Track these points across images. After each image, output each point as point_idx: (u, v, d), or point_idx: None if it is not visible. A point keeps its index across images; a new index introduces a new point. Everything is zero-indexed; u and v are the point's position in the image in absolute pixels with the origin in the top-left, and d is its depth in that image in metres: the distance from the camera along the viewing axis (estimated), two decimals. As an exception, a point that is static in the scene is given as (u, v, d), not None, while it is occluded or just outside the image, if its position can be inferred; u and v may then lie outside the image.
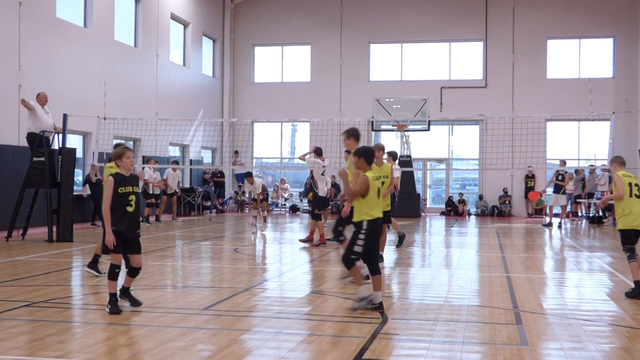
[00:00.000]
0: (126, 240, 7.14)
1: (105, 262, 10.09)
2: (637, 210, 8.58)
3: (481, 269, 11.19)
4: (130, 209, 7.11)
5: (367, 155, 7.50)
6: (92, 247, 13.73)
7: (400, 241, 13.88)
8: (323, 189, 15.00)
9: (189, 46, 27.14)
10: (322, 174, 15.18)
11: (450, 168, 29.10)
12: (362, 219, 7.29)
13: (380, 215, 7.43)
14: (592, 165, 25.39)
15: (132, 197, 7.14)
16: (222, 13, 29.90)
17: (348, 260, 7.31)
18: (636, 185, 8.70)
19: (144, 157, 22.30)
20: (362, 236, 7.25)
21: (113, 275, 7.11)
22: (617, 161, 9.06)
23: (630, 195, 8.63)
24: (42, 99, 14.90)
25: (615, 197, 8.69)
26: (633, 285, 8.54)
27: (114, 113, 18.15)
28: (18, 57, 17.06)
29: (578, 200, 24.35)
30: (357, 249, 7.25)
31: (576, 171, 23.93)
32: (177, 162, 23.02)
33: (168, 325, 6.56)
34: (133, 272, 7.31)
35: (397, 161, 14.69)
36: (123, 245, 7.14)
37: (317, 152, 15.25)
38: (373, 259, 7.46)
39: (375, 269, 7.41)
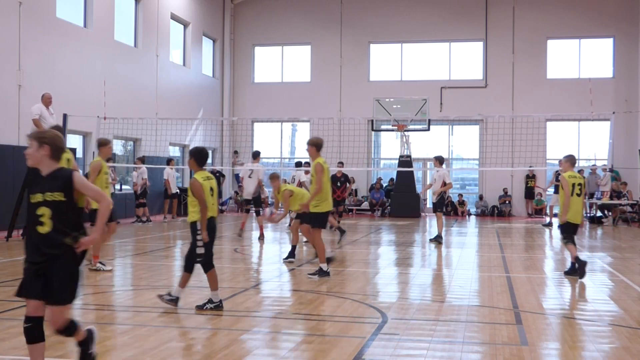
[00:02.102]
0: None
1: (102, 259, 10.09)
2: (576, 208, 9.97)
3: (481, 269, 11.19)
4: (41, 229, 4.44)
5: (198, 156, 7.40)
6: (91, 247, 13.73)
7: (342, 234, 14.60)
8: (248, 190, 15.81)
9: (189, 46, 27.14)
10: (250, 177, 15.90)
11: (450, 168, 29.08)
12: (195, 220, 7.21)
13: (215, 214, 7.32)
14: (593, 166, 25.39)
15: (44, 211, 4.42)
16: (222, 13, 29.90)
17: (206, 265, 7.26)
18: (579, 185, 9.97)
19: (143, 157, 22.33)
20: (199, 237, 7.19)
21: (30, 335, 4.66)
22: (570, 161, 10.27)
23: (572, 195, 9.95)
24: (46, 100, 14.89)
25: (563, 200, 9.91)
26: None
27: (114, 113, 18.16)
28: (18, 57, 17.06)
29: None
30: (200, 250, 7.20)
31: (578, 171, 23.92)
32: (170, 161, 22.41)
33: (168, 325, 6.56)
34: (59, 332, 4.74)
35: (444, 164, 15.84)
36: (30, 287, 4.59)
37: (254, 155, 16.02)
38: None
39: (208, 266, 7.34)
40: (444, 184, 15.38)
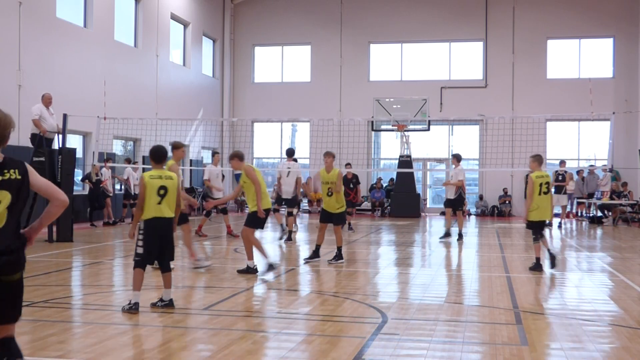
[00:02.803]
0: None
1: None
2: (544, 205, 10.56)
3: (481, 269, 11.18)
4: None
5: (153, 155, 7.32)
6: (92, 247, 13.75)
7: (285, 236, 14.89)
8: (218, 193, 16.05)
9: (189, 46, 27.14)
10: (287, 175, 15.59)
11: (451, 168, 29.07)
12: (144, 217, 7.14)
13: (163, 215, 7.11)
14: (591, 166, 25.39)
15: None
16: (222, 13, 29.91)
17: (135, 262, 7.18)
18: (546, 184, 10.62)
19: (143, 157, 22.33)
20: (140, 237, 7.12)
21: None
22: (538, 160, 10.89)
23: (540, 194, 10.53)
24: (46, 100, 14.89)
25: (528, 200, 10.62)
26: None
27: (114, 113, 18.16)
28: (18, 57, 17.06)
29: (579, 200, 24.36)
30: (139, 250, 7.13)
31: (578, 172, 23.95)
32: (129, 160, 21.92)
33: (168, 325, 6.56)
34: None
35: (460, 162, 16.58)
36: None
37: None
38: (160, 257, 7.33)
39: (165, 267, 7.33)
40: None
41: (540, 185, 10.63)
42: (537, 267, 10.58)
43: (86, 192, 20.04)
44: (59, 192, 3.98)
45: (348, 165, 19.96)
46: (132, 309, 6.96)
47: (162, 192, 7.11)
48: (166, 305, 7.22)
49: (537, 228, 10.71)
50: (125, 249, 13.57)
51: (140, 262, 7.15)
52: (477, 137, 28.18)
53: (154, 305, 7.25)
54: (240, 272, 9.97)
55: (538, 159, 10.93)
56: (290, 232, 15.01)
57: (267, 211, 9.95)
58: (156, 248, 7.19)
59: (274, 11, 29.81)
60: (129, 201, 20.19)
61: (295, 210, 16.03)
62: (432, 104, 26.78)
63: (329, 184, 11.30)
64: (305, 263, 11.35)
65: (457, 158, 16.54)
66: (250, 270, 9.89)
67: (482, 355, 5.65)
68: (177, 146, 10.15)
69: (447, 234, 15.98)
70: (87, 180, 19.53)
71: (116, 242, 15.27)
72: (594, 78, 25.28)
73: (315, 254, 11.53)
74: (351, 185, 18.29)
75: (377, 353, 5.64)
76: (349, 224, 18.20)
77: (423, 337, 6.25)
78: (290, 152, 15.60)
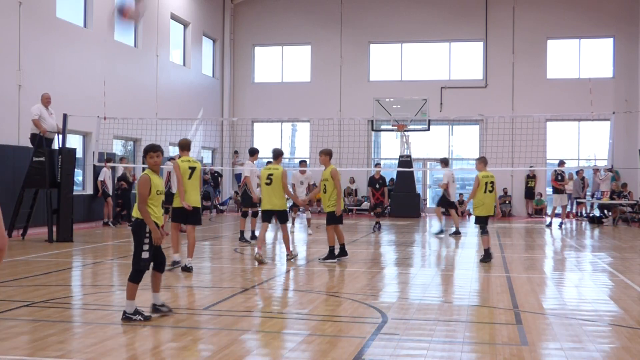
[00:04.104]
0: None
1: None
2: (488, 202, 11.73)
3: (481, 269, 11.18)
4: None
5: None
6: (92, 247, 13.76)
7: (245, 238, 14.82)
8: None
9: (189, 46, 27.14)
10: (301, 182, 16.72)
11: (451, 168, 29.06)
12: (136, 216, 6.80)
13: (154, 214, 6.72)
14: (595, 166, 25.39)
15: None
16: (222, 13, 29.90)
17: (135, 273, 6.76)
18: (491, 183, 11.79)
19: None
20: (147, 240, 6.72)
21: None
22: (483, 162, 12.01)
23: (485, 192, 11.72)
24: (45, 100, 14.90)
25: (471, 195, 11.89)
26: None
27: (114, 113, 18.15)
28: (18, 57, 17.06)
29: (579, 200, 24.37)
30: (145, 255, 6.72)
31: (577, 172, 23.95)
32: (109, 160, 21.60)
33: (168, 325, 6.55)
34: None
35: (448, 165, 18.09)
36: None
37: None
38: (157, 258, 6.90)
39: (159, 268, 6.95)
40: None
41: (486, 184, 11.74)
42: (486, 257, 11.57)
43: (86, 192, 20.05)
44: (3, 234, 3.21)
45: (378, 165, 20.46)
46: (164, 308, 6.82)
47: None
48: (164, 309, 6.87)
49: (483, 223, 11.75)
50: (126, 249, 13.58)
51: (141, 273, 6.71)
52: (477, 137, 28.17)
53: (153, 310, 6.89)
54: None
55: (483, 161, 12.08)
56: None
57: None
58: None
59: (274, 11, 29.81)
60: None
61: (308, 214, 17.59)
62: (432, 104, 26.78)
63: (324, 180, 11.54)
64: (337, 261, 11.46)
65: (443, 162, 18.03)
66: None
67: (482, 355, 5.65)
68: (279, 154, 11.85)
69: (441, 231, 17.19)
70: (123, 182, 19.75)
71: (116, 242, 15.28)
72: (594, 78, 25.26)
73: (342, 253, 11.70)
74: (377, 186, 18.54)
75: (377, 353, 5.64)
76: (378, 223, 18.82)
77: (423, 337, 6.25)
78: (304, 163, 17.20)
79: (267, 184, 11.32)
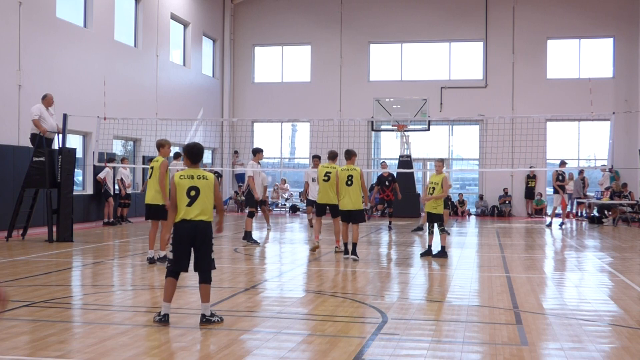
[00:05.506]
0: None
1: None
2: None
3: (481, 269, 11.18)
4: None
5: (190, 154, 6.81)
6: (91, 247, 13.75)
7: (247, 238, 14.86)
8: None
9: (189, 46, 27.13)
10: (314, 179, 16.50)
11: (450, 168, 29.08)
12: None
13: (188, 217, 6.55)
14: (603, 166, 25.37)
15: None
16: (222, 13, 29.90)
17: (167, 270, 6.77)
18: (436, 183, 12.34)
19: (143, 157, 22.32)
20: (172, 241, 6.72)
21: None
22: (447, 163, 11.58)
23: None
24: (48, 101, 14.91)
25: (442, 195, 12.32)
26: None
27: (114, 113, 18.14)
28: (18, 57, 17.05)
29: (579, 200, 24.36)
30: (170, 255, 6.78)
31: (579, 172, 23.94)
32: (116, 159, 21.35)
33: (168, 325, 6.55)
34: None
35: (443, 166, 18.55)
36: None
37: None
38: (197, 264, 6.64)
39: (201, 277, 6.65)
40: None
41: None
42: (442, 254, 12.26)
43: (86, 192, 20.05)
44: None
45: (383, 163, 20.64)
46: (162, 320, 6.54)
47: (193, 193, 6.60)
48: (208, 321, 6.54)
49: (442, 221, 12.56)
50: (125, 250, 13.58)
51: (171, 270, 6.66)
52: (477, 137, 28.16)
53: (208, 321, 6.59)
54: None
55: (445, 162, 13.13)
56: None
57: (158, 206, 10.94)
58: (186, 254, 6.63)
59: (274, 11, 29.81)
60: (125, 201, 20.33)
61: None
62: (432, 104, 26.78)
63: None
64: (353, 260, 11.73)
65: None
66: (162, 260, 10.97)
67: (482, 355, 5.65)
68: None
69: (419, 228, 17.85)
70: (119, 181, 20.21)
71: (116, 242, 15.28)
72: (594, 78, 25.28)
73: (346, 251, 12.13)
74: (387, 183, 18.83)
75: (377, 353, 5.64)
76: (390, 223, 19.33)
77: (423, 337, 6.25)
78: (318, 157, 17.64)
79: (324, 180, 12.33)
